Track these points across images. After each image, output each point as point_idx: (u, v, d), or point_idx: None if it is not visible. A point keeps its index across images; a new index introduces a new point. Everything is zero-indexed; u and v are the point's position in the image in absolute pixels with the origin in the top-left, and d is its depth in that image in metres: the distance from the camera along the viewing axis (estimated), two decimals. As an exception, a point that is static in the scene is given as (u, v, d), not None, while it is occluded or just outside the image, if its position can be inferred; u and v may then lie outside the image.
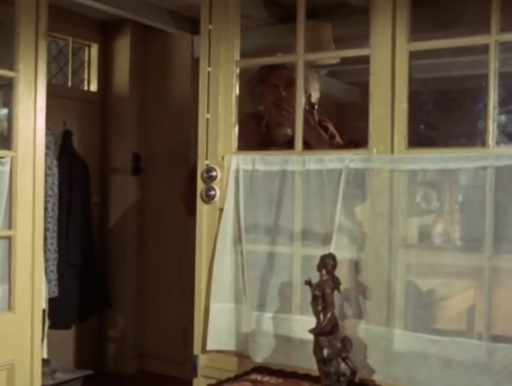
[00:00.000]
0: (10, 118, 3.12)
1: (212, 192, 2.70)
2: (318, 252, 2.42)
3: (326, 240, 2.49)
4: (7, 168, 3.07)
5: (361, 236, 2.45)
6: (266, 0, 4.45)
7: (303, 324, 2.47)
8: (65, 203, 4.57)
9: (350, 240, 2.46)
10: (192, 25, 4.87)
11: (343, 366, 2.19)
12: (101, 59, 5.10)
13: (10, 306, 3.07)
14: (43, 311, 3.67)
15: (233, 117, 2.73)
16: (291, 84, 2.71)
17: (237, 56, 2.74)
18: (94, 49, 5.09)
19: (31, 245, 3.14)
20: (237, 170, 2.67)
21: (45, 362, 3.52)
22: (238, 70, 2.74)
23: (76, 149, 4.74)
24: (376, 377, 2.39)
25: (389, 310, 2.38)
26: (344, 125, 5.89)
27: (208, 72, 2.73)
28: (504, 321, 2.25)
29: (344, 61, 3.75)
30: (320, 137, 3.04)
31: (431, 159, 2.32)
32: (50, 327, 4.45)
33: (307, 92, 2.90)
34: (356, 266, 2.45)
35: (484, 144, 2.26)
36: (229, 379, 2.43)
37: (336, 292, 2.23)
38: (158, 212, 5.06)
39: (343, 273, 2.46)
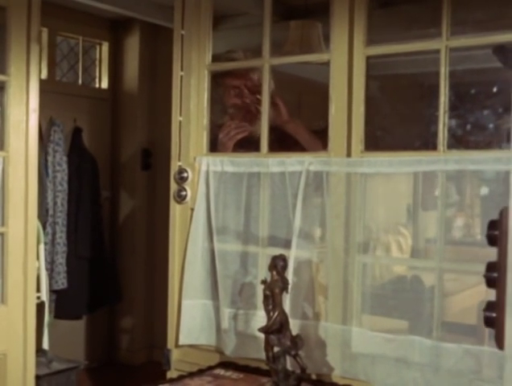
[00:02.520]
0: (2, 119, 3.26)
1: (184, 193, 2.79)
2: (283, 251, 2.50)
3: (289, 240, 2.56)
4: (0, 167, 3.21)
5: (320, 236, 2.51)
6: (267, -3, 4.49)
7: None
8: (74, 198, 4.70)
9: (310, 240, 2.53)
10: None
11: (292, 363, 2.26)
12: (112, 57, 5.21)
13: (2, 299, 3.21)
14: (43, 304, 3.83)
15: (205, 120, 2.81)
16: (250, 83, 2.76)
17: (208, 60, 2.82)
18: (105, 47, 5.20)
19: (24, 241, 3.28)
20: (207, 172, 2.75)
21: (42, 352, 3.67)
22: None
23: (86, 145, 4.86)
24: (335, 373, 2.46)
25: (346, 309, 2.44)
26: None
27: (181, 76, 2.82)
28: (452, 321, 2.29)
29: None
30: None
31: (386, 163, 2.37)
32: (60, 318, 4.63)
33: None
34: (316, 266, 2.51)
35: (435, 148, 2.30)
36: (191, 374, 2.53)
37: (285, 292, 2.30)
38: (167, 206, 5.14)
39: (304, 272, 2.53)
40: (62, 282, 4.59)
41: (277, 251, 2.56)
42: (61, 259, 4.60)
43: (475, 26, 2.23)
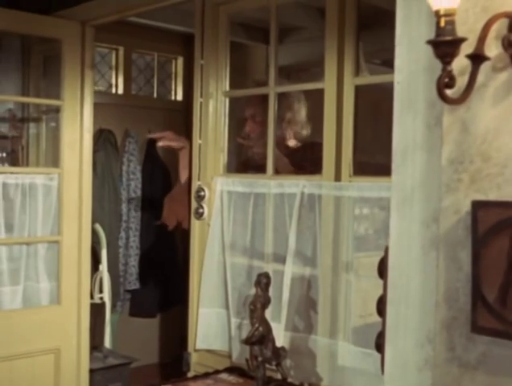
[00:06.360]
0: (58, 139, 3.64)
1: (201, 210, 3.04)
2: (283, 267, 2.72)
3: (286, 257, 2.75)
4: (55, 183, 3.60)
5: (312, 255, 2.69)
6: (322, 11, 4.63)
7: (271, 331, 2.75)
8: (147, 204, 5.07)
9: (303, 258, 2.71)
10: (265, 36, 5.16)
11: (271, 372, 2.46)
12: (186, 71, 5.54)
13: (57, 300, 3.61)
14: (103, 304, 4.21)
15: (222, 142, 3.04)
16: (256, 116, 2.98)
17: (225, 87, 3.05)
18: (180, 61, 5.54)
19: (77, 249, 3.66)
20: (222, 191, 2.98)
21: (99, 348, 4.04)
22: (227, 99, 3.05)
23: (160, 155, 5.20)
24: (323, 384, 2.63)
25: (334, 323, 2.60)
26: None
27: (200, 103, 3.06)
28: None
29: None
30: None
31: (368, 187, 2.51)
32: (135, 316, 5.03)
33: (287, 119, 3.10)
34: (308, 283, 2.69)
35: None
36: (196, 376, 2.77)
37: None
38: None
39: (298, 288, 2.72)
40: (134, 283, 4.98)
41: (279, 266, 2.77)
42: (134, 261, 4.98)
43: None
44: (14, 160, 3.95)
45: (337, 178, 2.61)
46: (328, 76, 2.64)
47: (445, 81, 1.15)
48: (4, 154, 3.86)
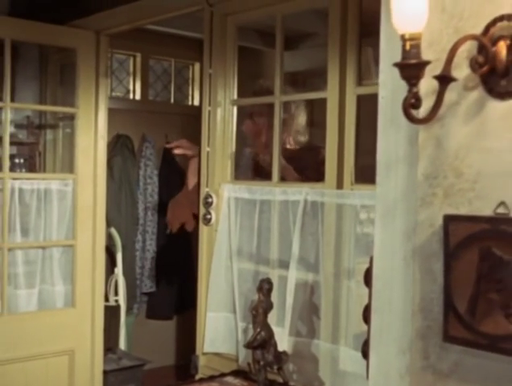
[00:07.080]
0: (72, 146, 3.74)
1: (209, 216, 3.10)
2: (288, 273, 2.77)
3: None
4: (70, 188, 3.69)
5: (315, 261, 2.74)
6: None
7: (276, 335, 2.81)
8: (164, 208, 5.15)
9: (306, 265, 2.76)
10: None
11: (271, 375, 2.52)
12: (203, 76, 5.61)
13: (72, 303, 3.70)
14: (119, 307, 4.30)
15: (230, 150, 3.11)
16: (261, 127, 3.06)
17: (233, 96, 3.12)
18: (197, 67, 5.62)
19: (92, 253, 3.75)
20: (229, 198, 3.05)
21: (113, 350, 4.13)
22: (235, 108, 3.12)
23: (176, 160, 5.28)
24: (326, 388, 2.69)
25: (336, 329, 2.65)
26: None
27: (209, 111, 3.13)
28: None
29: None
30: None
31: (370, 195, 2.55)
32: (151, 318, 5.11)
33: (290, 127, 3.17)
34: (311, 289, 2.74)
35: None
36: (201, 379, 2.84)
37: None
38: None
39: (301, 294, 2.77)
40: (151, 285, 5.06)
41: (284, 272, 2.83)
42: (150, 264, 5.07)
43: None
44: (32, 166, 4.05)
45: (339, 185, 2.66)
46: (331, 86, 2.69)
47: (411, 102, 1.20)
48: (21, 160, 3.96)
